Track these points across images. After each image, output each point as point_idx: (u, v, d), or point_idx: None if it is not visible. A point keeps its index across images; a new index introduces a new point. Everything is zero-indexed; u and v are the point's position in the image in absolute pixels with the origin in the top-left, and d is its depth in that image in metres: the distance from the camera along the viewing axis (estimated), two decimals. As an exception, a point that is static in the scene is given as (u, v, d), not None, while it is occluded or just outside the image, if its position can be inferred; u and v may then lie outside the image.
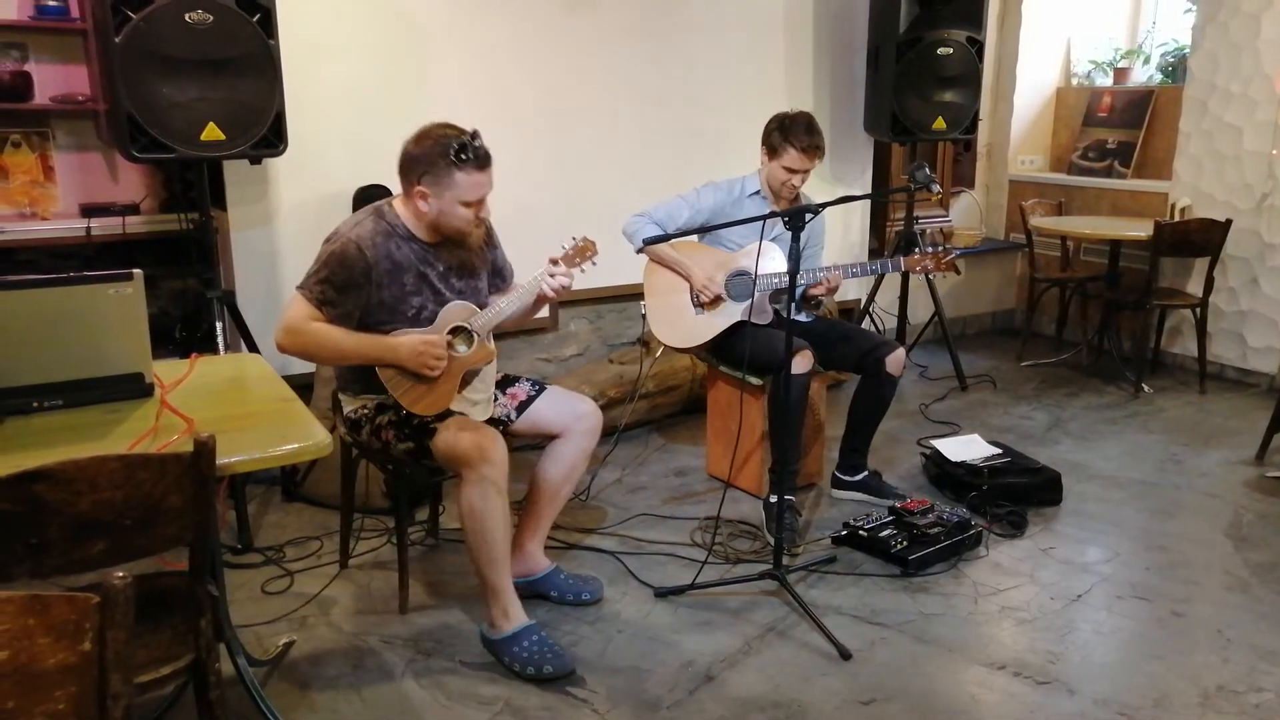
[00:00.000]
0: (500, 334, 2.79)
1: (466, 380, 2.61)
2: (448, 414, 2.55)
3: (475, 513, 2.45)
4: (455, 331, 2.58)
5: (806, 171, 3.35)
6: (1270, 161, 4.73)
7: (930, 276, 4.51)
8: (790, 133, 3.29)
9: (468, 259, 2.65)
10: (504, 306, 2.65)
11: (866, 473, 3.54)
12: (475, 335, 2.61)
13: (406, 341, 2.49)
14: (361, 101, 3.83)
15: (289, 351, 2.50)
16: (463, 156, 2.41)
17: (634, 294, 4.05)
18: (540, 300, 2.68)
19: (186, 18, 2.90)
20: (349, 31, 3.79)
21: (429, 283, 2.57)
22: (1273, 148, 4.71)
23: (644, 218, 3.38)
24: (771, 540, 2.99)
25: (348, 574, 3.01)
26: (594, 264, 2.72)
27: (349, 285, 2.46)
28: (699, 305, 3.44)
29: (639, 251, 3.41)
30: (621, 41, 4.40)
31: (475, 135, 2.45)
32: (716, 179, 3.52)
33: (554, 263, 2.66)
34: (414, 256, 2.54)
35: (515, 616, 2.53)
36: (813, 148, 3.30)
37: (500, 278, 2.82)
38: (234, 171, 3.61)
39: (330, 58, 3.75)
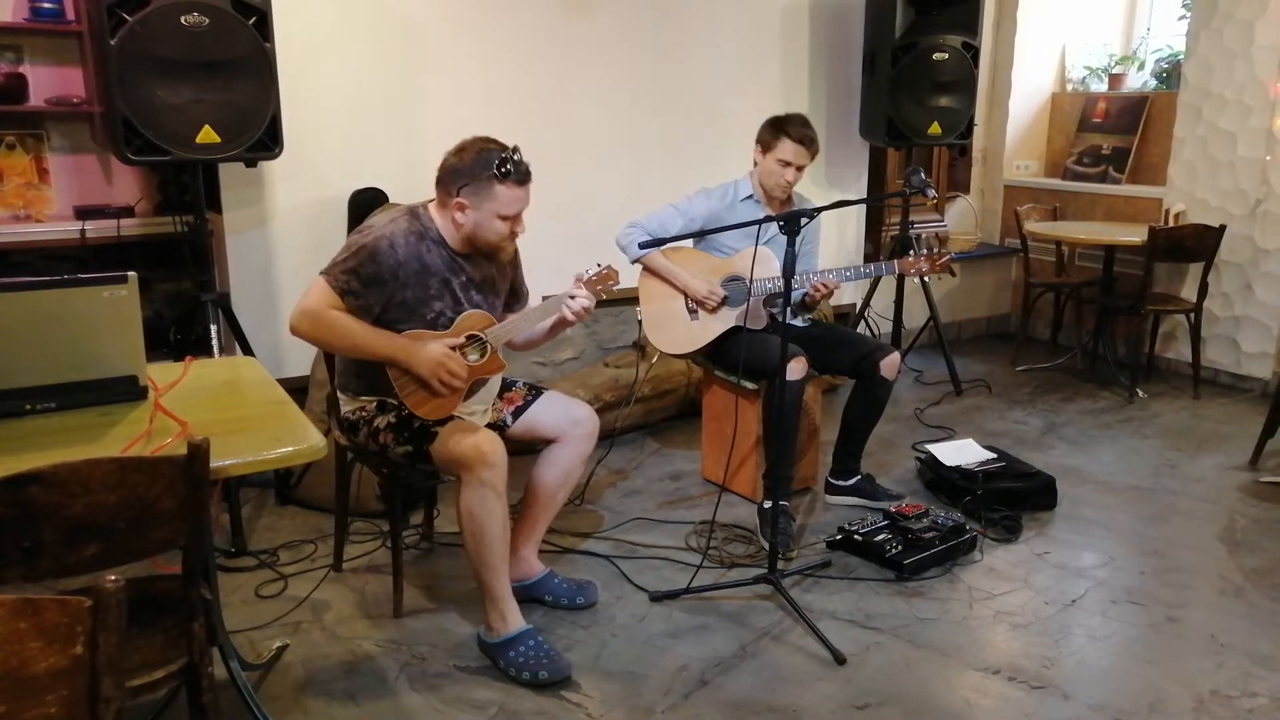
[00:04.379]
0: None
1: (472, 389, 2.60)
2: (448, 418, 2.54)
3: (474, 516, 2.44)
4: (469, 339, 2.57)
5: (801, 168, 3.34)
6: (1264, 167, 4.75)
7: (925, 279, 4.50)
8: (786, 123, 3.32)
9: (491, 275, 2.66)
10: (519, 320, 2.65)
11: (859, 477, 3.54)
12: (489, 346, 2.60)
13: (425, 349, 2.45)
14: (358, 105, 3.83)
15: (302, 335, 2.45)
16: (505, 171, 2.43)
17: (629, 299, 4.04)
18: (559, 325, 2.67)
19: (182, 20, 2.90)
20: (345, 34, 3.79)
21: (451, 290, 2.56)
22: (1266, 154, 4.73)
23: (636, 228, 3.36)
24: (766, 544, 2.99)
25: (342, 578, 3.00)
26: (612, 292, 2.71)
27: (375, 280, 2.45)
28: (693, 311, 3.44)
29: (634, 262, 3.41)
30: (619, 45, 4.40)
31: (516, 150, 2.46)
32: (709, 185, 3.52)
33: (578, 283, 2.64)
34: (442, 263, 2.54)
35: (513, 621, 2.53)
36: (808, 139, 3.31)
37: (515, 298, 2.82)
38: (229, 174, 3.60)
39: (326, 61, 3.75)
